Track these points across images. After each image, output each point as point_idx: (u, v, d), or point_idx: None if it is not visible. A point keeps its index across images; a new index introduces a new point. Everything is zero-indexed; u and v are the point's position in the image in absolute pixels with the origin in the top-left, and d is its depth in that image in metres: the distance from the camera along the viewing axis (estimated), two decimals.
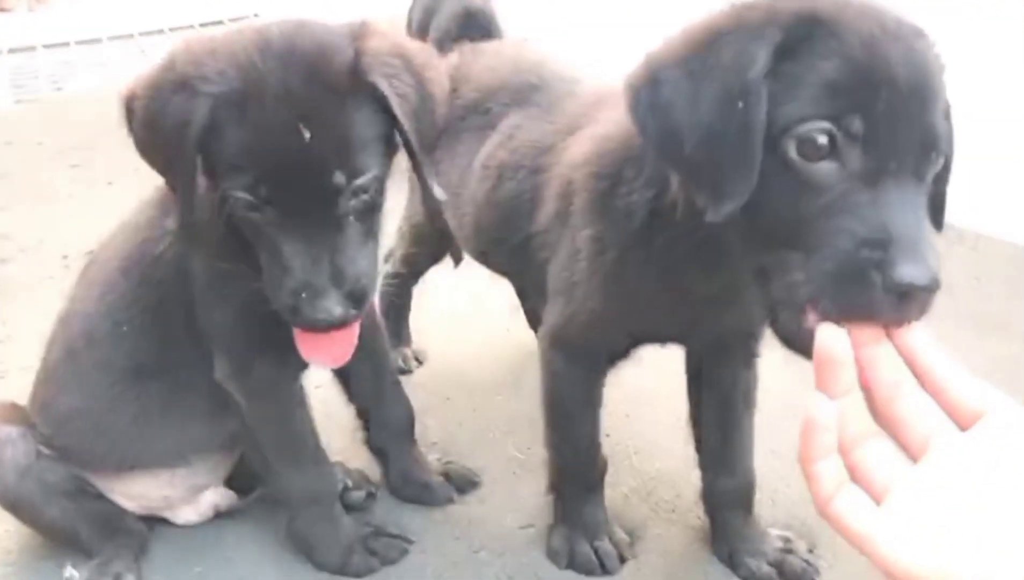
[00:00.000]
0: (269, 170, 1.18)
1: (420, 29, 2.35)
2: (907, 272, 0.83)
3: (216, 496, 1.69)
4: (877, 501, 0.77)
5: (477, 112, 1.66)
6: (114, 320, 1.49)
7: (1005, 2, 4.43)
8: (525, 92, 1.62)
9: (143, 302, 1.47)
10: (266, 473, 1.57)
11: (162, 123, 1.21)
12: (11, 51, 5.90)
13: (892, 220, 0.87)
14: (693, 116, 0.98)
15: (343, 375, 1.71)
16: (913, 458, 0.78)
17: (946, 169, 1.05)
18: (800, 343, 0.91)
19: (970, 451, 0.75)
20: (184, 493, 1.65)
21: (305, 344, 1.33)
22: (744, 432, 1.56)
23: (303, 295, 1.21)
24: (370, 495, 1.73)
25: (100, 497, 1.60)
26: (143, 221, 1.49)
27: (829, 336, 0.81)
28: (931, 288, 0.84)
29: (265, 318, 1.33)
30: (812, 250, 0.89)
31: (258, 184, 1.18)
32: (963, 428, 0.77)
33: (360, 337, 1.57)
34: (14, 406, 1.62)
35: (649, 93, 1.02)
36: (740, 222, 1.00)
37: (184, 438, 1.58)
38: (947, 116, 1.00)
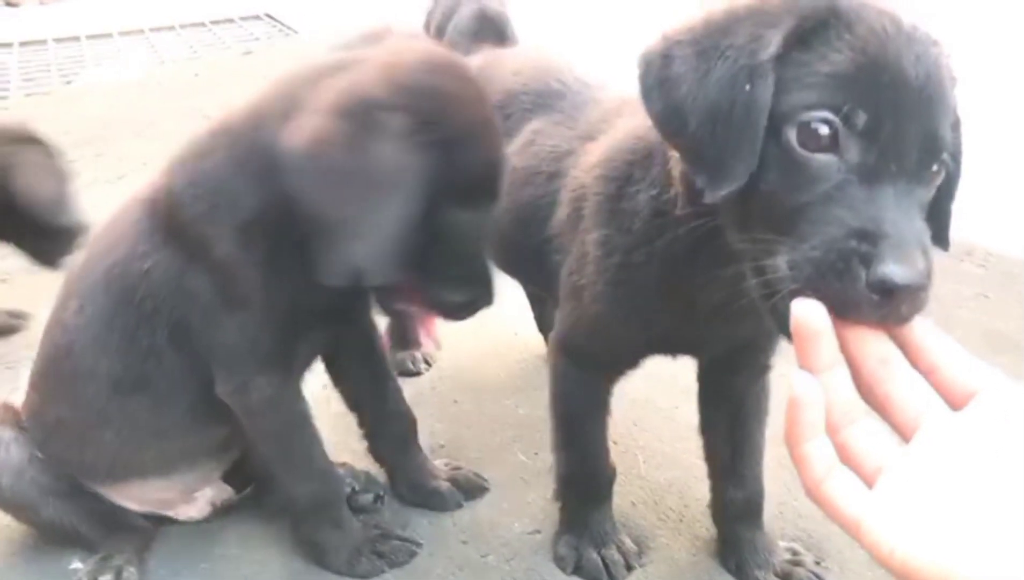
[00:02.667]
0: None
1: (438, 31, 2.35)
2: (891, 270, 0.81)
3: (212, 492, 1.68)
4: (868, 483, 0.75)
5: (498, 116, 1.66)
6: (93, 334, 1.46)
7: (1018, 17, 4.45)
8: (547, 98, 1.62)
9: (123, 317, 1.43)
10: (270, 481, 1.56)
11: (369, 173, 1.20)
12: (22, 44, 5.91)
13: (885, 216, 0.85)
14: (700, 93, 0.98)
15: (343, 384, 1.70)
16: (904, 438, 0.76)
17: (952, 185, 1.04)
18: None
19: (963, 432, 0.72)
20: (180, 495, 1.65)
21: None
22: (754, 444, 1.55)
23: None
24: (378, 498, 1.73)
25: (99, 496, 1.59)
26: (128, 233, 1.43)
27: (805, 306, 0.78)
28: (914, 289, 0.81)
29: (277, 334, 1.40)
30: (802, 238, 0.88)
31: None
32: (955, 407, 0.75)
33: (357, 346, 1.63)
34: (8, 407, 1.60)
35: (659, 66, 1.02)
36: (735, 207, 0.99)
37: (171, 449, 1.56)
38: (956, 128, 0.99)
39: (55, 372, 1.53)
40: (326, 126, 1.21)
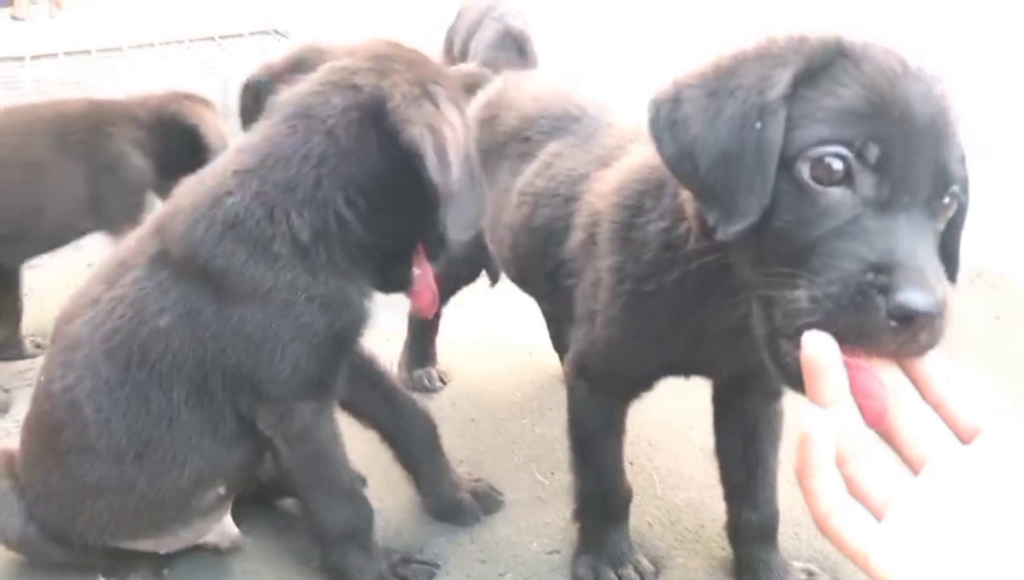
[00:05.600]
0: None
1: (463, 48, 2.40)
2: (910, 297, 0.81)
3: (215, 538, 1.67)
4: (877, 515, 0.75)
5: (517, 139, 1.69)
6: (94, 406, 1.42)
7: None
8: (565, 122, 1.65)
9: (131, 384, 1.41)
10: (303, 511, 1.58)
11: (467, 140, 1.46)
12: (33, 58, 5.95)
13: (900, 247, 0.86)
14: (711, 134, 0.99)
15: (354, 409, 1.71)
16: (912, 470, 0.76)
17: (961, 218, 1.06)
18: (798, 375, 0.83)
19: (970, 467, 0.73)
20: (175, 548, 1.63)
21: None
22: (768, 466, 1.56)
23: None
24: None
25: None
26: (127, 297, 1.41)
27: (816, 340, 0.78)
28: (934, 315, 0.81)
29: (328, 357, 1.43)
30: (818, 272, 0.88)
31: None
32: (963, 440, 0.75)
33: (358, 365, 1.64)
34: (5, 454, 1.60)
35: (669, 109, 1.04)
36: (748, 243, 1.00)
37: (166, 514, 1.53)
38: (963, 163, 0.99)
39: (47, 443, 1.49)
40: (435, 112, 1.35)
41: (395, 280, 1.53)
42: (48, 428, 1.47)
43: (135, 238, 1.49)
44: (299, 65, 1.48)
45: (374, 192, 1.39)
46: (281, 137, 1.38)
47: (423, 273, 1.54)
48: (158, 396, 1.41)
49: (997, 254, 2.71)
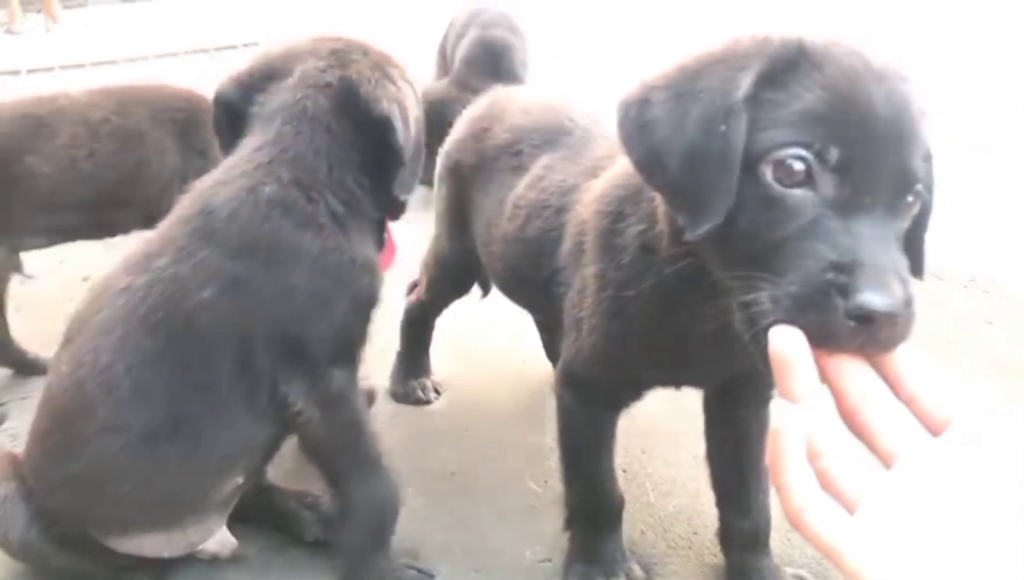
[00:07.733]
0: None
1: (452, 54, 2.42)
2: (867, 298, 0.82)
3: (215, 546, 1.67)
4: (850, 511, 0.75)
5: (509, 152, 1.70)
6: (132, 385, 1.44)
7: None
8: (557, 135, 1.66)
9: (172, 358, 1.45)
10: (335, 489, 1.59)
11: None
12: (29, 72, 5.97)
13: (861, 247, 0.87)
14: (677, 135, 1.01)
15: None
16: (886, 466, 0.76)
17: (926, 216, 1.07)
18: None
19: (940, 459, 0.73)
20: (180, 550, 1.63)
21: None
22: (759, 473, 1.57)
23: None
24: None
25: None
26: (164, 277, 1.46)
27: (782, 336, 0.78)
28: (892, 315, 0.82)
29: (363, 317, 1.56)
30: (780, 273, 0.89)
31: None
32: (936, 435, 0.75)
33: None
34: (7, 456, 1.61)
35: (637, 112, 1.05)
36: (717, 245, 1.02)
37: (187, 500, 1.55)
38: (927, 160, 1.01)
39: (68, 432, 1.49)
40: (396, 89, 1.57)
41: (377, 243, 1.66)
42: (72, 414, 1.48)
43: (157, 233, 1.55)
44: (275, 73, 1.59)
45: (367, 168, 1.57)
46: (290, 137, 1.53)
47: (388, 233, 1.71)
48: (200, 367, 1.46)
49: (989, 259, 2.72)
